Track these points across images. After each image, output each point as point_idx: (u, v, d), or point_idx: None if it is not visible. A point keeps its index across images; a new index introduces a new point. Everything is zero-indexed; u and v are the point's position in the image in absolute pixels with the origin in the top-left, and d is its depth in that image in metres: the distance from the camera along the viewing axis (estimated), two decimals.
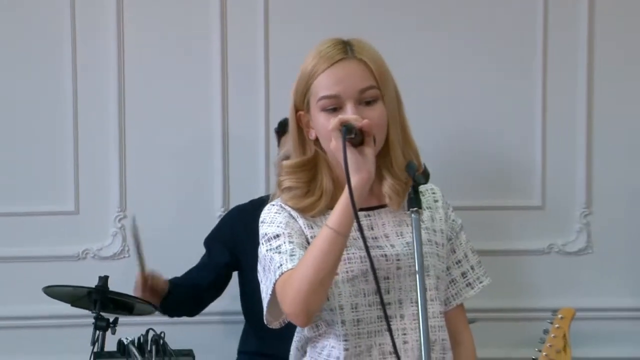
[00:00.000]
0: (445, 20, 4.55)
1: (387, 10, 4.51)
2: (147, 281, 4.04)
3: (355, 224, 2.29)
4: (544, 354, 3.76)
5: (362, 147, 2.30)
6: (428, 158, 2.48)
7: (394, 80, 2.48)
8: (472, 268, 2.63)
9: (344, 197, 2.31)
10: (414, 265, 2.34)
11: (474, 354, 2.64)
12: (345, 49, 2.43)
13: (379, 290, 2.28)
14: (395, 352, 2.27)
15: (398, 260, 2.44)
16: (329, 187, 2.48)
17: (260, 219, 2.50)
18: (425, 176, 2.31)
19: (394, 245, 2.46)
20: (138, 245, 4.04)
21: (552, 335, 3.77)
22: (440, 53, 4.55)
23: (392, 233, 2.46)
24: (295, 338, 2.55)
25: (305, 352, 2.53)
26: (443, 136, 4.53)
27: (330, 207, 2.44)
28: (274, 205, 2.51)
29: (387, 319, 2.29)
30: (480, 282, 2.63)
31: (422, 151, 2.47)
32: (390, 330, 2.29)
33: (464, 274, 2.61)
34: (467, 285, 2.61)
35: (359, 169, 2.28)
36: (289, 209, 2.48)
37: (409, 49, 4.49)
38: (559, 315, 3.80)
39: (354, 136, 2.28)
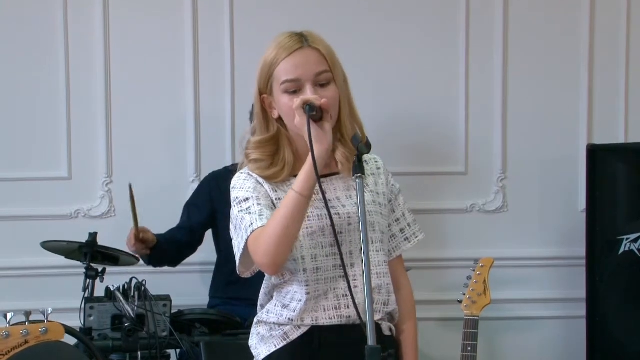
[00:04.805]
0: (383, 16, 4.78)
1: (339, 5, 4.76)
2: (139, 234, 4.20)
3: (317, 188, 2.44)
4: (467, 296, 3.86)
5: (322, 122, 2.48)
6: (372, 132, 2.63)
7: (342, 66, 2.65)
8: (408, 225, 2.81)
9: (307, 165, 2.46)
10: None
11: (412, 296, 2.82)
12: (301, 39, 2.59)
13: (337, 242, 2.46)
14: (351, 293, 2.47)
15: (349, 217, 2.61)
16: (290, 158, 2.63)
17: (232, 185, 2.66)
18: (368, 146, 2.46)
19: (345, 205, 2.62)
20: (133, 205, 4.18)
21: (474, 280, 3.88)
22: (382, 40, 4.78)
23: (342, 196, 2.62)
24: (264, 285, 2.73)
25: (272, 297, 2.70)
26: (384, 114, 4.73)
27: (292, 175, 2.60)
28: (242, 173, 2.66)
29: (344, 267, 2.48)
30: (416, 237, 2.82)
31: (366, 126, 2.64)
32: (347, 276, 2.47)
33: (402, 230, 2.79)
34: (405, 240, 2.80)
35: (320, 140, 2.45)
36: (255, 176, 2.63)
37: (356, 37, 4.72)
38: (480, 264, 3.91)
39: (315, 113, 2.46)
